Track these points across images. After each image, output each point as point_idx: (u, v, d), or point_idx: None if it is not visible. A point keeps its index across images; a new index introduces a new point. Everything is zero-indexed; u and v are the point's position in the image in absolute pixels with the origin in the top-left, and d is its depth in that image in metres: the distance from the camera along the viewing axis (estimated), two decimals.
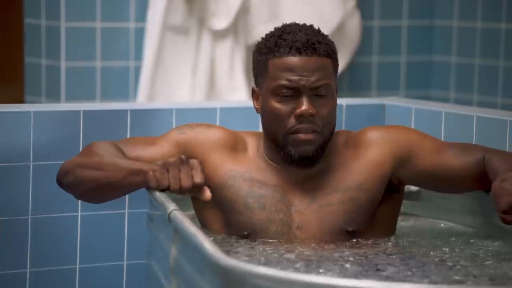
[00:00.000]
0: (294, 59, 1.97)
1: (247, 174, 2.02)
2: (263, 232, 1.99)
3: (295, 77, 1.96)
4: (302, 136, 1.96)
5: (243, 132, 2.10)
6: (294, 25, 2.03)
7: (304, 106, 1.95)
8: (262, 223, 1.99)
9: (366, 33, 3.60)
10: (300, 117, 1.95)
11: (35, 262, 2.35)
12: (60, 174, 2.02)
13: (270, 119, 1.99)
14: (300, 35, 1.99)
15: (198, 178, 1.86)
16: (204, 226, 2.07)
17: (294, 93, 1.96)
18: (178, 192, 1.88)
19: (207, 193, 1.88)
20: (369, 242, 1.99)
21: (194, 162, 1.88)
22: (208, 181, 2.02)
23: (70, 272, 2.38)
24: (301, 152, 1.97)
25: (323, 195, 2.00)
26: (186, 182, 1.86)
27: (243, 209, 2.00)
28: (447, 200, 2.28)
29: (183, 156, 1.88)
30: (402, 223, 2.25)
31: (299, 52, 1.97)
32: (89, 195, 2.01)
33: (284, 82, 1.96)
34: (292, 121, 1.96)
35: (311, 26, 2.04)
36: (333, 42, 2.03)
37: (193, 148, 2.05)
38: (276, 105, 1.97)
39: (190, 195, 1.91)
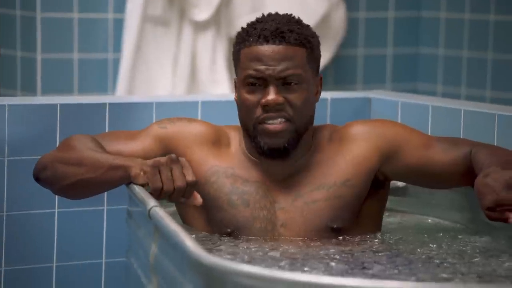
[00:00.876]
0: (261, 48, 1.97)
1: (230, 170, 2.01)
2: (247, 230, 1.98)
3: (262, 67, 1.96)
4: (270, 127, 1.96)
5: (225, 126, 2.10)
6: (271, 15, 2.02)
7: (270, 96, 1.95)
8: (246, 220, 1.99)
9: (351, 24, 3.60)
10: (266, 107, 1.95)
11: (10, 260, 2.34)
12: (37, 169, 2.01)
13: (241, 109, 2.00)
14: (271, 23, 1.99)
15: (191, 176, 1.86)
16: (186, 223, 2.06)
17: (262, 82, 1.96)
18: (171, 194, 1.86)
19: (199, 199, 1.87)
20: (355, 240, 1.99)
21: (183, 160, 1.87)
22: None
23: (47, 270, 2.37)
24: (271, 144, 1.96)
25: (308, 191, 2.00)
26: (179, 182, 1.85)
27: (226, 206, 1.99)
28: (434, 196, 2.28)
29: (173, 155, 1.87)
30: (389, 219, 2.25)
31: (266, 40, 1.97)
32: (68, 191, 2.00)
33: (251, 71, 1.97)
34: (259, 111, 1.96)
35: (289, 15, 2.03)
36: (311, 31, 2.02)
37: (175, 143, 2.04)
38: (246, 95, 1.98)
39: (180, 200, 1.88)
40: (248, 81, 1.97)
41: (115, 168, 1.90)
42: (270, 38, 1.96)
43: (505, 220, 1.77)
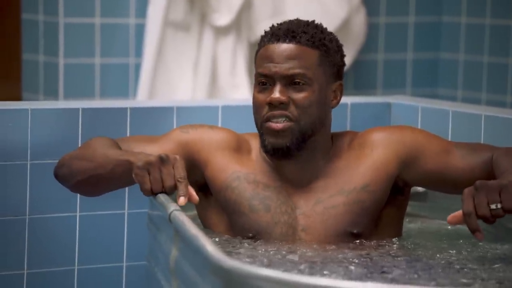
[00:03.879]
0: (271, 46, 1.99)
1: (251, 176, 2.02)
2: (268, 234, 1.99)
3: (269, 64, 1.98)
4: (273, 125, 1.96)
5: (246, 134, 2.11)
6: (292, 20, 2.04)
7: (274, 94, 1.96)
8: (267, 225, 1.99)
9: (372, 29, 3.60)
10: (271, 105, 1.96)
11: (33, 263, 2.35)
12: (57, 166, 2.05)
13: (253, 109, 2.01)
14: (286, 25, 2.01)
15: (180, 173, 1.85)
16: (207, 227, 2.07)
17: (270, 81, 1.98)
18: (165, 193, 1.87)
19: (194, 196, 1.86)
20: (373, 244, 1.99)
21: (175, 158, 1.87)
22: (212, 182, 2.03)
23: (68, 273, 2.38)
24: (274, 143, 1.97)
25: (328, 197, 2.01)
26: (168, 182, 1.85)
27: (248, 211, 2.00)
28: (454, 202, 2.27)
29: (163, 155, 1.87)
30: (410, 225, 2.25)
31: (277, 39, 1.98)
32: (82, 187, 2.02)
33: (260, 70, 1.99)
34: (265, 109, 1.98)
35: (310, 21, 2.04)
36: (330, 36, 2.02)
37: (197, 148, 2.05)
38: (256, 95, 2.00)
39: (179, 200, 1.88)
40: (258, 79, 1.99)
41: (122, 163, 1.91)
42: (281, 37, 1.98)
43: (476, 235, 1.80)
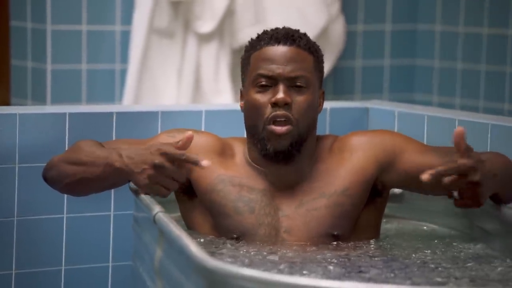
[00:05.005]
0: (272, 49, 1.98)
1: (236, 179, 2.02)
2: (252, 236, 1.99)
3: (272, 66, 1.97)
4: (277, 129, 1.96)
5: (229, 138, 2.10)
6: (283, 26, 2.04)
7: (279, 94, 1.95)
8: (252, 226, 1.99)
9: (350, 37, 3.61)
10: (275, 105, 1.96)
11: (21, 263, 2.34)
12: (45, 169, 2.05)
13: (250, 110, 2.00)
14: (281, 29, 2.01)
15: (180, 155, 1.90)
16: (191, 228, 2.07)
17: (272, 82, 1.97)
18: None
19: (204, 162, 1.89)
20: (351, 244, 2.00)
21: (165, 152, 1.90)
22: (197, 185, 2.03)
23: (56, 273, 2.37)
24: (276, 146, 1.97)
25: (310, 200, 2.01)
26: (180, 178, 1.92)
27: (232, 213, 2.00)
28: (430, 203, 2.29)
29: (156, 161, 1.89)
30: (386, 225, 2.25)
31: (278, 42, 1.98)
32: (71, 189, 2.03)
33: (262, 71, 1.98)
34: (269, 110, 1.97)
35: (297, 29, 2.04)
36: (316, 44, 2.04)
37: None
38: (256, 95, 1.98)
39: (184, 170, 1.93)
40: (258, 81, 1.98)
41: (110, 168, 1.94)
42: (282, 39, 1.98)
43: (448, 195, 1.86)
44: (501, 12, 3.45)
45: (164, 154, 1.91)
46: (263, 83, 1.97)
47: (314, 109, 2.00)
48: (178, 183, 1.93)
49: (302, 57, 1.98)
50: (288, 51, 1.97)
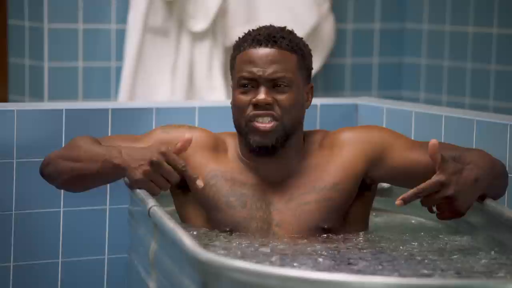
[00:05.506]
0: (254, 51, 1.99)
1: (228, 174, 2.03)
2: (244, 229, 2.00)
3: (254, 68, 1.98)
4: (259, 125, 1.97)
5: (223, 133, 2.11)
6: (267, 26, 2.05)
7: (260, 96, 1.97)
8: (244, 220, 2.00)
9: (340, 35, 3.62)
10: (256, 105, 1.97)
11: (19, 256, 2.34)
12: (42, 165, 2.05)
13: (234, 110, 2.01)
14: (265, 30, 2.02)
15: (180, 163, 1.93)
16: (185, 222, 2.07)
17: (254, 84, 1.99)
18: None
19: (200, 182, 1.93)
20: (340, 237, 2.01)
21: (165, 152, 1.92)
22: (190, 180, 2.04)
23: (53, 265, 2.38)
24: (259, 142, 1.98)
25: (300, 194, 2.02)
26: (173, 178, 1.93)
27: (225, 207, 2.01)
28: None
29: (154, 159, 1.92)
30: (376, 218, 2.26)
31: (259, 44, 1.99)
32: (68, 185, 2.04)
33: (244, 73, 1.99)
34: (250, 109, 1.98)
35: (283, 27, 2.05)
36: (303, 42, 2.04)
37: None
38: (239, 96, 2.00)
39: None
40: (241, 82, 1.99)
41: (107, 164, 1.94)
42: (263, 41, 1.98)
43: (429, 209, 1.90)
44: (486, 11, 3.46)
45: (163, 154, 1.92)
46: (246, 84, 1.99)
47: (299, 105, 2.01)
48: (170, 184, 1.94)
49: (284, 58, 1.98)
50: (269, 53, 1.98)
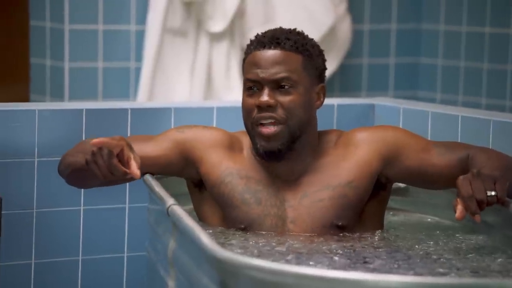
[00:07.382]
0: (258, 53, 1.99)
1: (243, 172, 2.03)
2: (259, 226, 2.00)
3: (257, 70, 1.98)
4: (264, 129, 1.97)
5: (238, 132, 2.12)
6: (276, 28, 2.05)
7: (263, 98, 1.96)
8: (258, 217, 2.00)
9: (356, 36, 3.62)
10: (259, 107, 1.97)
11: (40, 253, 2.36)
12: (59, 163, 2.07)
13: (243, 111, 2.02)
14: (270, 32, 2.02)
15: (129, 155, 1.83)
16: (202, 220, 2.08)
17: (258, 86, 1.99)
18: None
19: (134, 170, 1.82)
20: (356, 236, 2.01)
21: (117, 145, 1.83)
22: (206, 178, 2.04)
23: (73, 263, 2.39)
24: (265, 147, 1.98)
25: (314, 191, 2.02)
26: (104, 173, 1.83)
27: (240, 204, 2.01)
28: (433, 196, 2.29)
29: (105, 150, 1.81)
30: (393, 217, 2.26)
31: (263, 46, 1.99)
32: (70, 180, 2.05)
33: (249, 76, 2.00)
34: (255, 112, 1.98)
35: (293, 28, 2.04)
36: (312, 42, 2.03)
37: (192, 146, 2.06)
38: (246, 98, 2.00)
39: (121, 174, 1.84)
40: (247, 85, 2.00)
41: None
42: (267, 43, 1.99)
43: (473, 216, 1.81)
44: (502, 12, 3.45)
45: (102, 143, 1.83)
46: (252, 87, 1.99)
47: (306, 106, 2.00)
48: (113, 176, 1.83)
49: (288, 59, 1.98)
50: (272, 55, 1.98)
